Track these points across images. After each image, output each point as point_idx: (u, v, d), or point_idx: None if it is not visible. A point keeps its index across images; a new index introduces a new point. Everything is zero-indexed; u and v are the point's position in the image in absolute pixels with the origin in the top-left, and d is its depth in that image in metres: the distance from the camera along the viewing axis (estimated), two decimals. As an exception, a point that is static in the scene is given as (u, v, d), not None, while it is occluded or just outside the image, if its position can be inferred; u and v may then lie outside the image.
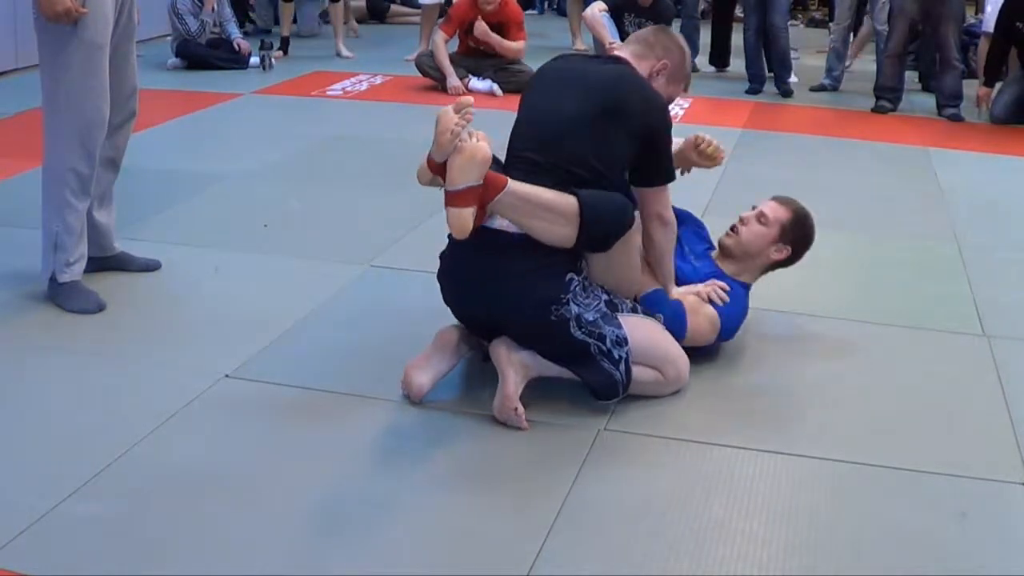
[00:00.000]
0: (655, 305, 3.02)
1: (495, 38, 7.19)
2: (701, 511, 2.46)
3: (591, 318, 2.77)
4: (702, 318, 3.08)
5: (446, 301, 2.97)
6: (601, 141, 2.84)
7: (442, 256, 2.96)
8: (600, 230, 2.76)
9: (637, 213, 2.90)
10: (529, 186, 2.73)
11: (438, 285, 2.98)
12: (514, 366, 2.79)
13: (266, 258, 3.95)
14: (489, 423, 2.78)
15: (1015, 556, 2.35)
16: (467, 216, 2.64)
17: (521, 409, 2.75)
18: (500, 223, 2.77)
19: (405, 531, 2.34)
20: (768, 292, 3.42)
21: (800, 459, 2.70)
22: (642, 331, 2.87)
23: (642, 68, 3.03)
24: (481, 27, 7.14)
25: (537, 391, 2.87)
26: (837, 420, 2.91)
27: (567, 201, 2.72)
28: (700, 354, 3.10)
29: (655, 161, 2.94)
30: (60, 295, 3.38)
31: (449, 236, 2.85)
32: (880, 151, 6.15)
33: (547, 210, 2.71)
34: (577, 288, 2.78)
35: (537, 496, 2.48)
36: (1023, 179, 5.71)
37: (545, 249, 2.76)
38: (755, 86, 7.71)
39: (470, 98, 2.69)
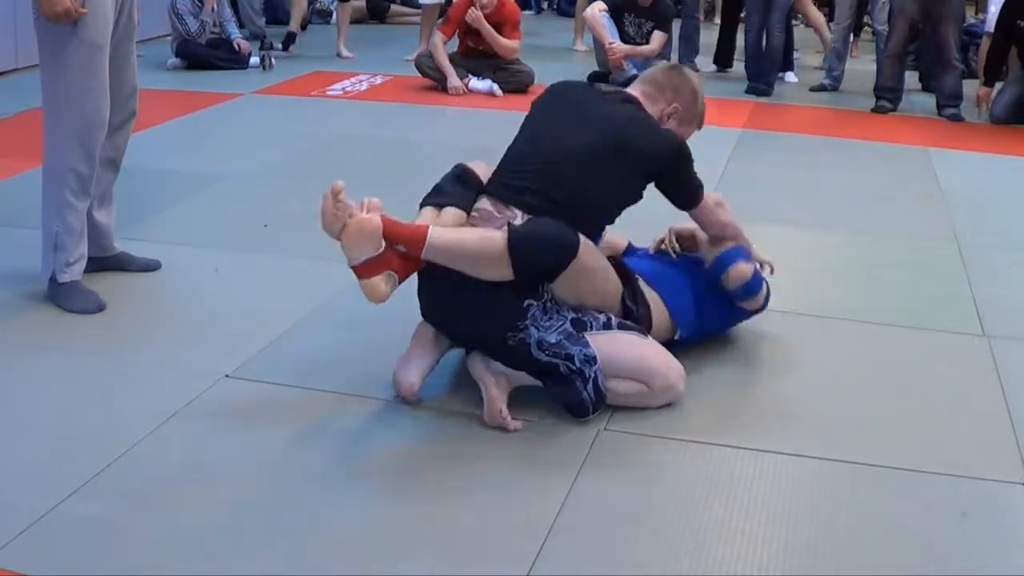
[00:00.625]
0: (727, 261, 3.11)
1: (487, 27, 7.13)
2: (701, 511, 2.46)
3: (554, 340, 2.75)
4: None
5: (423, 315, 2.97)
6: (602, 178, 2.89)
7: (419, 274, 2.90)
8: (537, 264, 2.72)
9: (583, 240, 2.81)
10: (452, 234, 2.74)
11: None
12: (492, 376, 2.80)
13: (266, 258, 3.95)
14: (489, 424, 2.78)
15: (1015, 556, 2.35)
16: (377, 284, 2.67)
17: (506, 412, 2.75)
18: None
19: (405, 531, 2.34)
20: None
21: (800, 459, 2.70)
22: (620, 346, 2.83)
23: (653, 111, 3.06)
24: (474, 14, 7.08)
25: (537, 391, 2.87)
26: (837, 420, 2.91)
27: (493, 244, 2.69)
28: (700, 354, 3.11)
29: (678, 188, 3.01)
30: (60, 295, 3.38)
31: (419, 276, 2.87)
32: (880, 151, 6.15)
33: (474, 258, 2.71)
34: (536, 312, 2.76)
35: (537, 496, 2.48)
36: (1023, 179, 5.71)
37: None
38: (754, 85, 7.70)
39: (340, 183, 2.68)
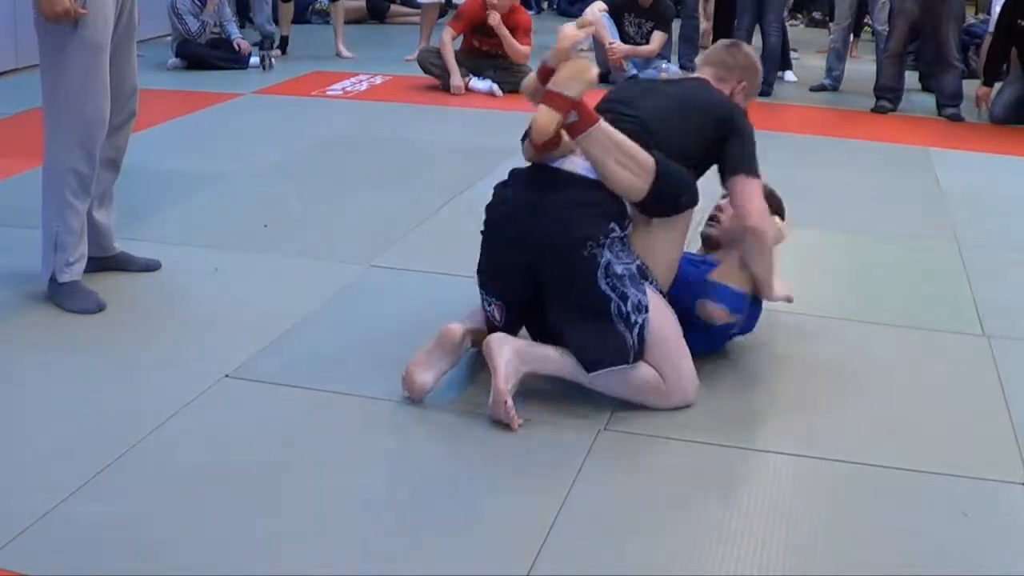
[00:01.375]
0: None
1: (505, 33, 7.14)
2: (701, 511, 2.46)
3: (620, 271, 2.78)
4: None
5: (484, 242, 2.97)
6: (685, 134, 2.95)
7: (498, 186, 2.99)
8: (669, 192, 2.87)
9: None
10: (617, 131, 2.84)
11: (483, 214, 2.98)
12: (505, 358, 2.78)
13: (266, 258, 3.95)
14: (489, 423, 2.78)
15: (1015, 556, 2.36)
16: (553, 119, 2.75)
17: (511, 403, 2.74)
18: (561, 163, 2.87)
19: (404, 531, 2.34)
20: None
21: (800, 459, 2.70)
22: (665, 321, 2.84)
23: (723, 88, 3.20)
24: (496, 18, 7.09)
25: (537, 391, 2.88)
26: (837, 420, 2.91)
27: (647, 156, 2.83)
28: (699, 354, 3.10)
29: (741, 147, 3.03)
30: (60, 295, 3.38)
31: (510, 173, 2.98)
32: (880, 151, 6.15)
33: (630, 157, 2.82)
34: (616, 237, 2.81)
35: (537, 496, 2.48)
36: (1023, 179, 5.71)
37: (596, 190, 2.83)
38: None
39: (598, 7, 2.92)
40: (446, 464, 2.63)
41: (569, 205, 2.82)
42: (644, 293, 2.81)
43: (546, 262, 2.83)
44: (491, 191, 3.00)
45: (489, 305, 2.95)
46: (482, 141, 5.69)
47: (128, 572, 2.16)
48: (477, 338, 2.97)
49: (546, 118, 2.75)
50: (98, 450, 2.57)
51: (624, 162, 2.81)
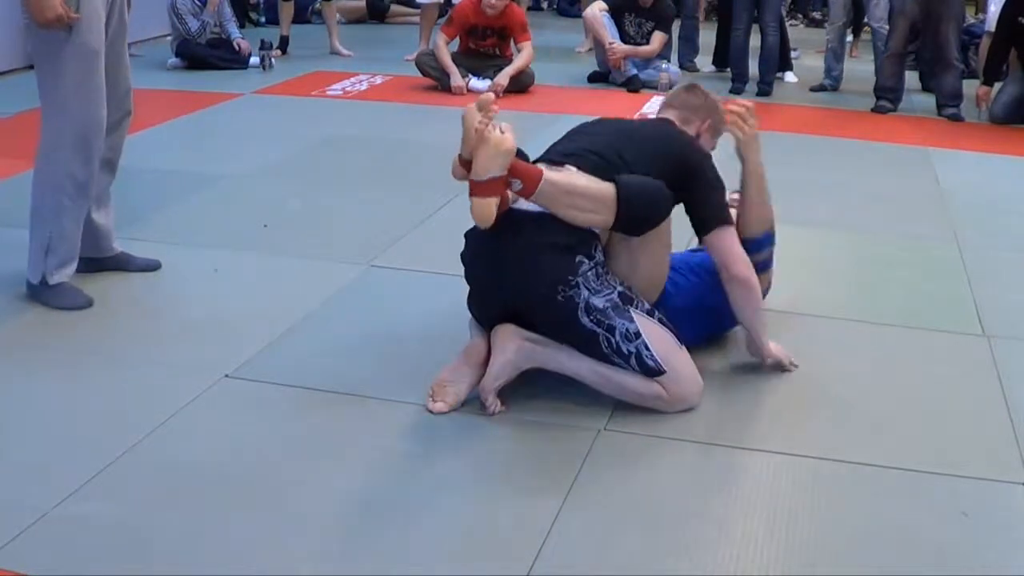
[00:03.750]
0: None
1: (509, 77, 7.11)
2: (701, 511, 2.46)
3: (600, 305, 2.77)
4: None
5: (468, 283, 2.97)
6: (644, 164, 2.90)
7: (466, 235, 2.97)
8: (638, 212, 2.82)
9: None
10: (564, 175, 2.80)
11: (461, 265, 2.98)
12: (504, 357, 2.79)
13: (266, 258, 3.95)
14: (489, 423, 2.78)
15: (1015, 556, 2.36)
16: (490, 206, 2.70)
17: (493, 399, 2.78)
18: (517, 203, 2.82)
19: (404, 531, 2.34)
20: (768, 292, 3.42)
21: (800, 459, 2.70)
22: (655, 339, 2.83)
23: (690, 129, 3.19)
24: (500, 83, 7.04)
25: (537, 391, 2.88)
26: (837, 420, 2.91)
27: (604, 187, 2.79)
28: (699, 354, 3.10)
29: (702, 199, 2.98)
30: (47, 295, 3.39)
31: None
32: (880, 151, 6.15)
33: (586, 198, 2.78)
34: (588, 272, 2.78)
35: (537, 496, 2.48)
36: (1023, 179, 5.71)
37: (558, 228, 2.79)
38: (738, 85, 7.68)
39: (491, 95, 2.75)
40: (446, 464, 2.63)
41: (531, 250, 2.78)
42: (631, 320, 2.79)
43: (526, 311, 2.84)
44: None
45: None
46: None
47: (128, 572, 2.16)
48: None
49: (482, 210, 2.69)
50: (98, 450, 2.57)
51: (581, 205, 2.76)
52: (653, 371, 2.80)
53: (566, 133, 3.16)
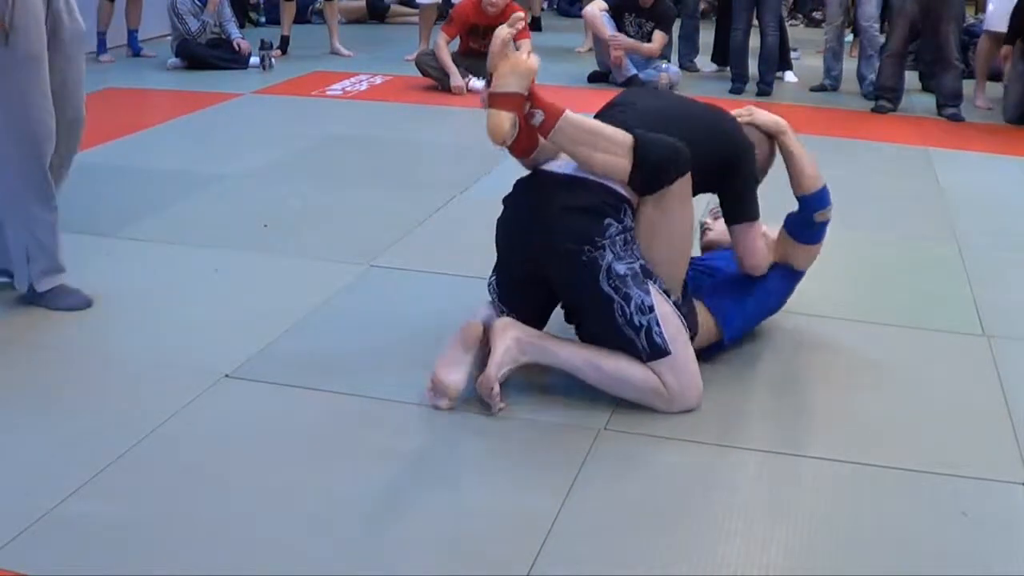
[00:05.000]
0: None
1: None
2: (701, 511, 2.46)
3: (622, 271, 2.77)
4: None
5: (498, 247, 2.99)
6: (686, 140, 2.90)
7: (504, 200, 2.98)
8: (654, 161, 2.79)
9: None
10: (585, 117, 2.83)
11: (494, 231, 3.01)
12: (504, 346, 2.79)
13: (266, 258, 3.95)
14: (489, 423, 2.78)
15: (1015, 556, 2.35)
16: (503, 120, 2.74)
17: (497, 390, 2.77)
18: (552, 166, 2.86)
19: (404, 531, 2.34)
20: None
21: (800, 459, 2.70)
22: (668, 325, 2.81)
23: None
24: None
25: (537, 391, 2.88)
26: (837, 420, 2.91)
27: (623, 134, 2.80)
28: (698, 354, 3.10)
29: (737, 191, 3.06)
30: (44, 299, 3.38)
31: (514, 184, 2.95)
32: (880, 151, 6.15)
33: (603, 138, 2.79)
34: (616, 237, 2.78)
35: (537, 496, 2.48)
36: (1023, 179, 5.71)
37: (585, 188, 2.80)
38: (738, 85, 7.68)
39: (521, 12, 2.84)
40: (446, 464, 2.63)
41: (561, 211, 2.79)
42: (648, 293, 2.79)
43: (550, 271, 2.84)
44: (491, 191, 3.01)
45: (501, 313, 2.96)
46: (482, 141, 5.67)
47: (127, 572, 2.16)
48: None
49: (495, 120, 2.74)
50: (98, 450, 2.57)
51: (599, 144, 2.78)
52: (659, 350, 2.79)
53: (613, 100, 3.16)
